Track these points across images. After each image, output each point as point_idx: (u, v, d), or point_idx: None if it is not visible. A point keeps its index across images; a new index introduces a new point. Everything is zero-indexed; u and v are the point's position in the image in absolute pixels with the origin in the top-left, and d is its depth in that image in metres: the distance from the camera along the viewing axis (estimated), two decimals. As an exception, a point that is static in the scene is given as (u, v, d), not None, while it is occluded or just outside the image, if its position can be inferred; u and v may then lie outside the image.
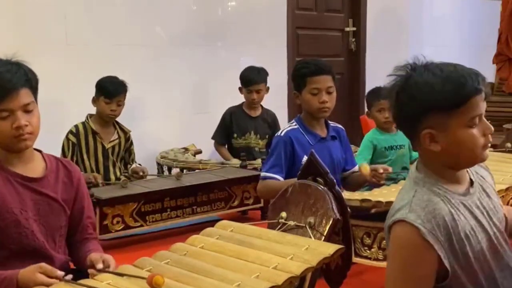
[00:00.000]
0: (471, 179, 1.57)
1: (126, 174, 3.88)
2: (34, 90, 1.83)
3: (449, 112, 1.44)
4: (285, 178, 2.78)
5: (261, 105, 4.53)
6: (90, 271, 1.74)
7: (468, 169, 1.58)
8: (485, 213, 1.53)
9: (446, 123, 1.45)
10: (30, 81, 1.81)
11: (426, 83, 1.46)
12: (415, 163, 1.60)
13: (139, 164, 3.99)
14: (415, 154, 3.72)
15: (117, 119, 3.90)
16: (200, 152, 4.58)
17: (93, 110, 3.83)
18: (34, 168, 1.88)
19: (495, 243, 1.53)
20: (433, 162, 1.52)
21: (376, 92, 3.69)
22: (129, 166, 3.95)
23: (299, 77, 2.89)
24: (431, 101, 1.45)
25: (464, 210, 1.49)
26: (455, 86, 1.44)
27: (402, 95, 1.50)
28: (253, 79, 4.38)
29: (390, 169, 2.93)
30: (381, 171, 2.83)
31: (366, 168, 2.83)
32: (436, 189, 1.49)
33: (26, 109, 1.78)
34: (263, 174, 2.86)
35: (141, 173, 3.81)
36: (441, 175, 1.51)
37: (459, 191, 1.52)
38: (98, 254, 1.81)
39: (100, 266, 1.74)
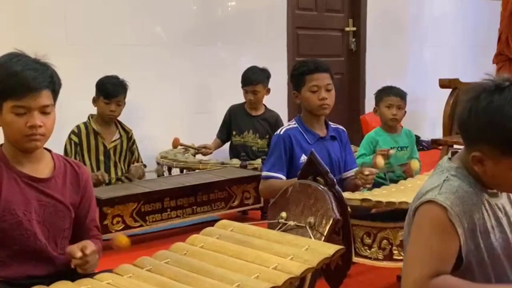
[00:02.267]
0: None
1: (128, 175, 3.88)
2: (55, 94, 1.82)
3: (507, 152, 1.43)
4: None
5: (265, 105, 4.51)
6: (73, 262, 1.73)
7: None
8: (505, 218, 1.55)
9: (499, 158, 1.44)
10: (54, 84, 1.80)
11: (505, 114, 1.41)
12: (448, 155, 1.61)
13: (144, 165, 3.99)
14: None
15: (118, 118, 3.90)
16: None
17: (94, 110, 3.84)
18: (42, 168, 1.86)
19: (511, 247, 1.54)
20: (473, 169, 1.52)
21: (388, 89, 3.70)
22: (132, 165, 3.94)
23: (298, 76, 2.90)
24: (497, 136, 1.42)
25: (488, 207, 1.52)
26: None
27: (476, 111, 1.45)
28: (248, 79, 4.36)
29: (375, 171, 2.82)
30: (366, 172, 2.76)
31: (380, 162, 2.84)
32: (467, 180, 1.52)
33: (44, 111, 1.76)
34: (264, 173, 2.85)
35: (135, 174, 3.83)
36: (474, 176, 1.53)
37: (488, 191, 1.55)
38: (74, 245, 1.78)
39: (79, 254, 1.72)
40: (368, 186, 2.80)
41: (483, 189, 1.53)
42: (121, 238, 1.73)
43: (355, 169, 2.97)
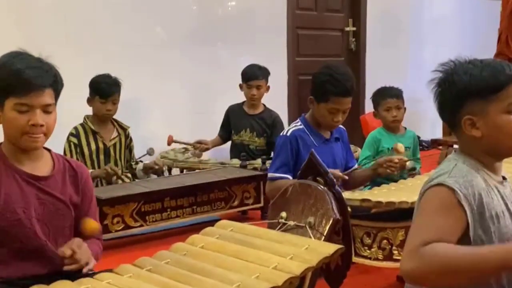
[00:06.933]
0: (503, 177, 1.62)
1: (133, 173, 3.89)
2: (57, 93, 1.83)
3: (487, 98, 1.51)
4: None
5: (264, 105, 4.53)
6: (65, 267, 1.75)
7: (503, 165, 1.64)
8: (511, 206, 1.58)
9: (485, 109, 1.52)
10: (57, 84, 1.82)
11: (466, 71, 1.55)
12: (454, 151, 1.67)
13: (142, 162, 4.00)
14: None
15: (116, 117, 3.90)
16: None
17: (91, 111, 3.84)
18: (42, 166, 1.87)
19: None
20: (474, 148, 1.57)
21: (383, 91, 3.68)
22: (133, 163, 3.95)
23: (323, 91, 2.77)
24: (470, 87, 1.52)
25: (497, 193, 1.55)
26: (492, 72, 1.52)
27: (444, 83, 1.59)
28: (253, 74, 4.41)
29: (405, 159, 3.01)
30: (396, 160, 2.89)
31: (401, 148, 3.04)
32: (475, 167, 1.55)
33: (46, 110, 1.77)
34: (270, 175, 2.82)
35: (156, 167, 3.86)
36: (480, 161, 1.57)
37: (495, 178, 1.58)
38: (64, 246, 1.79)
39: (69, 252, 1.73)
40: (395, 173, 2.96)
41: (493, 176, 1.57)
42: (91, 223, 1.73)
43: (355, 165, 2.99)
